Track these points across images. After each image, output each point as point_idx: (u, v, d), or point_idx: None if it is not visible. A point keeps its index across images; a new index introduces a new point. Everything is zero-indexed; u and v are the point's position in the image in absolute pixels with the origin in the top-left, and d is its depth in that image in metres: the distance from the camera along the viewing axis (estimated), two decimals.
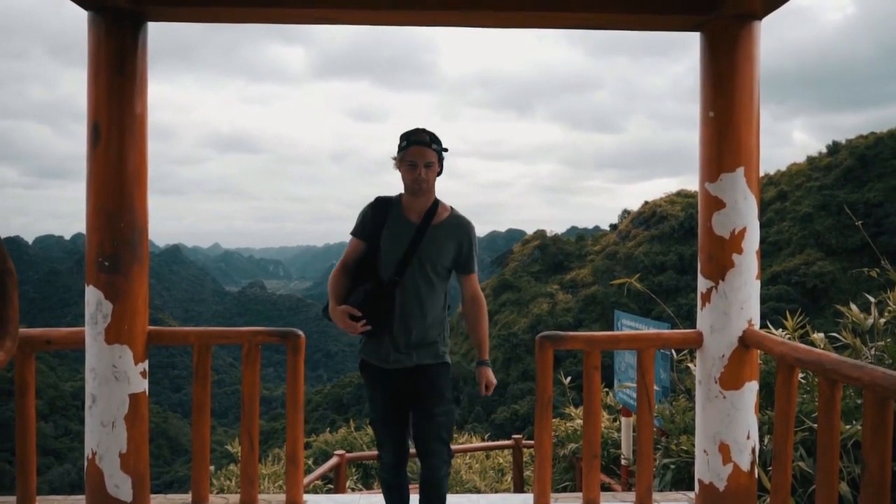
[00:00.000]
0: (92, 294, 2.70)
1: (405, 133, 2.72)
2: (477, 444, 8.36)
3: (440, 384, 2.73)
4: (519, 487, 6.40)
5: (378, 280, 2.69)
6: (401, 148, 2.69)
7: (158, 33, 2.89)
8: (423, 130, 2.70)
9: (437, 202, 2.75)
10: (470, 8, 2.73)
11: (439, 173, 2.75)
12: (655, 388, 3.56)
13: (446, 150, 2.76)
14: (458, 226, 2.76)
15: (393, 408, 2.75)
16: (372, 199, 2.83)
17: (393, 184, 2.77)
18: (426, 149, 2.67)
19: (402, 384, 2.71)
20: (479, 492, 6.90)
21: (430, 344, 2.72)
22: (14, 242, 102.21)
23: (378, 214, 2.75)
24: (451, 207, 2.80)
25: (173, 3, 2.70)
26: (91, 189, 2.70)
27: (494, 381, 2.77)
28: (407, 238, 2.68)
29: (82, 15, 2.68)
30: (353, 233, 2.79)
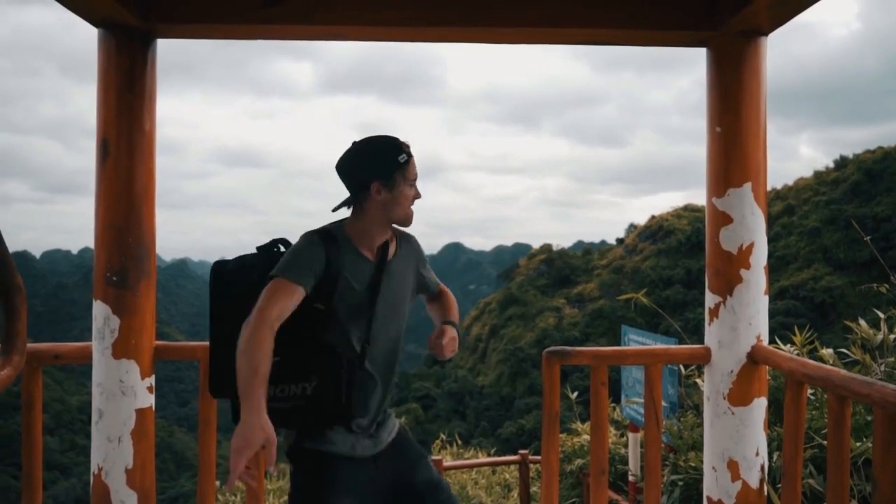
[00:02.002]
0: (99, 309, 2.71)
1: (395, 141, 2.04)
2: (483, 458, 8.31)
3: (417, 444, 2.19)
4: (525, 503, 6.36)
5: (333, 349, 1.95)
6: (399, 162, 2.01)
7: (167, 50, 2.91)
8: None
9: None
10: (475, 25, 2.75)
11: None
12: (663, 403, 3.54)
13: None
14: (410, 246, 2.21)
15: None
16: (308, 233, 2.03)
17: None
18: None
19: (378, 473, 2.05)
20: None
21: (389, 407, 2.16)
22: (22, 257, 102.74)
23: (332, 256, 1.97)
24: None
25: (182, 20, 2.73)
26: (100, 205, 2.71)
27: (455, 344, 2.18)
28: (370, 284, 2.02)
29: (93, 33, 2.71)
30: (296, 278, 1.89)
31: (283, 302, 1.85)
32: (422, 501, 2.08)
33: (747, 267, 2.75)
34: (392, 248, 2.12)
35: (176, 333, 79.42)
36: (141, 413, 2.74)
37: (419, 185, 2.10)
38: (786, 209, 60.08)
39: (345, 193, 2.09)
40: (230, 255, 2.04)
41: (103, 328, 2.69)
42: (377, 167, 2.01)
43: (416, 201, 2.09)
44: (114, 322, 2.69)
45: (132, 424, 2.72)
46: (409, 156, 2.04)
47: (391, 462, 2.09)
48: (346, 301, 1.98)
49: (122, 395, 2.70)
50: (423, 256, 2.25)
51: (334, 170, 2.09)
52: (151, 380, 2.80)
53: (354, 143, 2.08)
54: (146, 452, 2.76)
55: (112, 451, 2.70)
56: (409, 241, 2.22)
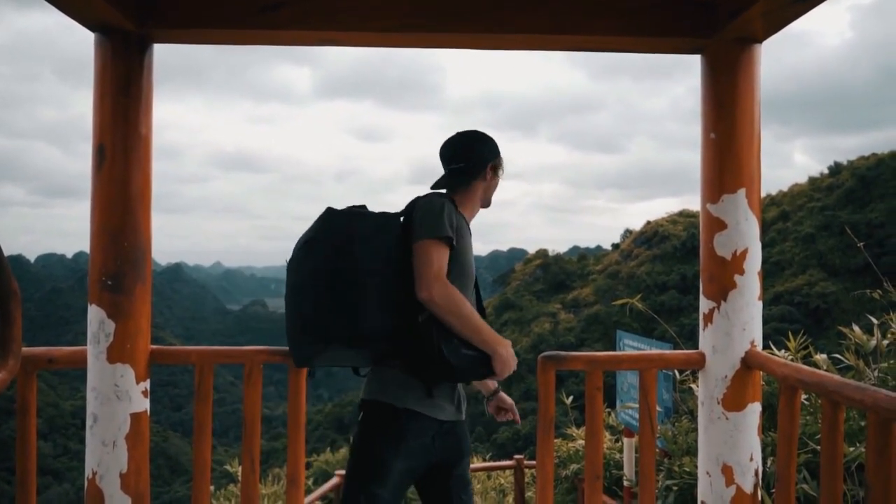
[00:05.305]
0: (94, 313, 2.70)
1: (492, 139, 2.41)
2: (478, 464, 8.31)
3: (469, 437, 2.34)
4: None
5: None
6: (496, 153, 2.40)
7: (170, 55, 2.92)
8: None
9: None
10: (473, 31, 2.76)
11: None
12: (658, 408, 3.54)
13: None
14: None
15: (409, 483, 2.21)
16: (428, 193, 2.27)
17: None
18: None
19: (444, 445, 2.21)
20: None
21: None
22: (16, 261, 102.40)
23: (459, 221, 2.19)
24: None
25: (179, 25, 2.73)
26: (95, 209, 2.71)
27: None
28: (471, 254, 2.28)
29: (91, 37, 2.71)
30: (446, 236, 2.09)
31: (443, 260, 2.07)
32: (449, 492, 2.25)
33: (741, 272, 2.77)
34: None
35: (170, 338, 79.21)
36: (136, 417, 2.74)
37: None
38: (780, 215, 60.26)
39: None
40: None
41: (98, 332, 2.69)
42: (495, 152, 2.38)
43: None
44: (109, 326, 2.68)
45: (127, 429, 2.71)
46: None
47: (450, 439, 2.22)
48: (459, 263, 2.17)
49: (116, 399, 2.70)
50: None
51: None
52: (146, 384, 2.79)
53: (463, 133, 2.41)
54: (141, 457, 2.75)
55: (106, 455, 2.70)
56: None
